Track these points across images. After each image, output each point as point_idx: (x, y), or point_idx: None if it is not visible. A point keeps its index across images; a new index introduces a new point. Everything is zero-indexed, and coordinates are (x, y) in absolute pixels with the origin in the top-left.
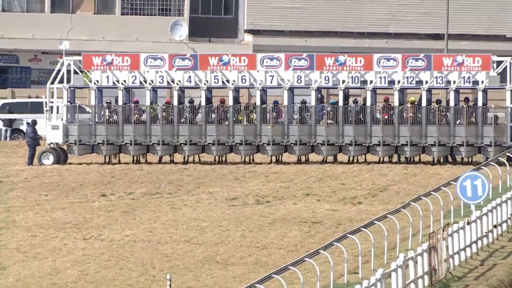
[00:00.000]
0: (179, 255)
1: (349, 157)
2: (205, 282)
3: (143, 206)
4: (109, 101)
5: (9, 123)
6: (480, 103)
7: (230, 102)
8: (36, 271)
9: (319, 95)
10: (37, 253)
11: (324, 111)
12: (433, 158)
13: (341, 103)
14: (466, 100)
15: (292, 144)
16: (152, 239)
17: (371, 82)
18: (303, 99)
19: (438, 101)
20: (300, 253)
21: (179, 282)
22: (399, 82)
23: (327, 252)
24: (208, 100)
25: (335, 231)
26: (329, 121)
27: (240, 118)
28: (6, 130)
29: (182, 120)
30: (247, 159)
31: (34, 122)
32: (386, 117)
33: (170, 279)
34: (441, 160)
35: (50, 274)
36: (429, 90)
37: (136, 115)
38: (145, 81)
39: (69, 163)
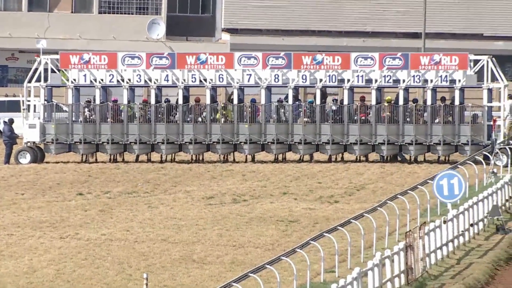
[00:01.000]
0: (156, 254)
1: (327, 155)
2: (181, 281)
3: (119, 205)
4: (88, 100)
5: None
6: (457, 102)
7: (207, 101)
8: (13, 269)
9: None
10: (13, 252)
11: (301, 109)
12: (410, 156)
13: (318, 101)
14: (443, 99)
15: (269, 143)
16: (129, 238)
17: (348, 80)
18: (280, 98)
19: (415, 100)
20: (276, 252)
21: (156, 281)
22: (376, 81)
23: (304, 251)
24: (186, 99)
25: (311, 230)
26: (305, 119)
27: (218, 117)
28: None
29: (159, 117)
30: (224, 158)
31: (11, 121)
32: (363, 117)
33: (146, 278)
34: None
35: (26, 273)
36: (406, 89)
37: (110, 118)
38: (123, 80)
39: (46, 162)
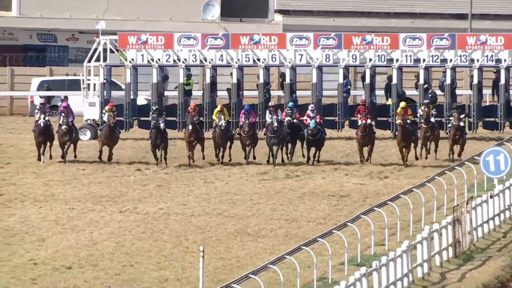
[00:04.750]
0: (212, 228)
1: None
2: (236, 253)
3: (176, 180)
4: (63, 98)
5: (47, 100)
6: (502, 81)
7: (261, 80)
8: (74, 242)
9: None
10: (75, 225)
11: (349, 86)
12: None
13: (368, 81)
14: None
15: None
16: (186, 212)
17: (397, 60)
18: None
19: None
20: (328, 225)
21: (212, 253)
22: (424, 60)
23: (355, 224)
24: (238, 81)
25: (362, 205)
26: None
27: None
28: None
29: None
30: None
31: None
32: (364, 121)
33: (203, 251)
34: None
35: (87, 245)
36: (453, 68)
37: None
38: (179, 60)
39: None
